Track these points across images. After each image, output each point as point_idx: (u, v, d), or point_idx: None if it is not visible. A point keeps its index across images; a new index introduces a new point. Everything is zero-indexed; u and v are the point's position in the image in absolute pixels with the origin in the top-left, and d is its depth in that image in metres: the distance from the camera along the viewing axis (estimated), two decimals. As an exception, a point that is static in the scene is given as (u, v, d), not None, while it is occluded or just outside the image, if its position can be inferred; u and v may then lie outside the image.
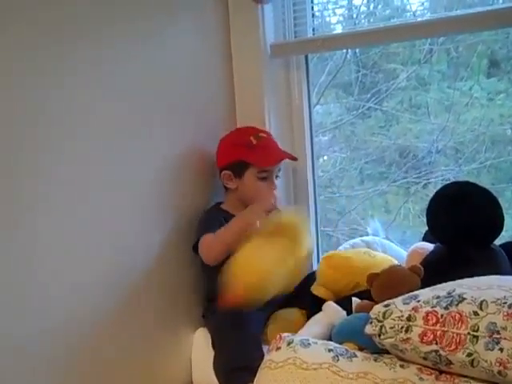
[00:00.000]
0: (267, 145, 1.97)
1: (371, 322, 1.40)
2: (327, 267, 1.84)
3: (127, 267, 1.76)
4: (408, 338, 1.33)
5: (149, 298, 1.84)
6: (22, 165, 1.44)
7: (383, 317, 1.38)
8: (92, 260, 1.63)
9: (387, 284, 1.59)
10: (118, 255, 1.73)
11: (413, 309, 1.36)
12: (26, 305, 1.45)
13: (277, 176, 2.00)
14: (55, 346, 1.52)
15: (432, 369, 1.33)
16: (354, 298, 1.67)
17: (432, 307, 1.33)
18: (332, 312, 1.68)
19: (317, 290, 1.84)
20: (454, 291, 1.35)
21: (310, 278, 1.91)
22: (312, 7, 2.21)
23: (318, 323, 1.67)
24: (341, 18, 2.35)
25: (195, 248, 1.91)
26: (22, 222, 1.44)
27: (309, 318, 1.76)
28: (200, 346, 1.91)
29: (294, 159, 2.05)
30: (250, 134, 1.97)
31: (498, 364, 1.20)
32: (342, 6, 2.32)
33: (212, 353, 1.82)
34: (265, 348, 1.66)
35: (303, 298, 1.87)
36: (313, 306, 1.80)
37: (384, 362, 1.37)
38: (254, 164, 1.93)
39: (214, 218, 1.94)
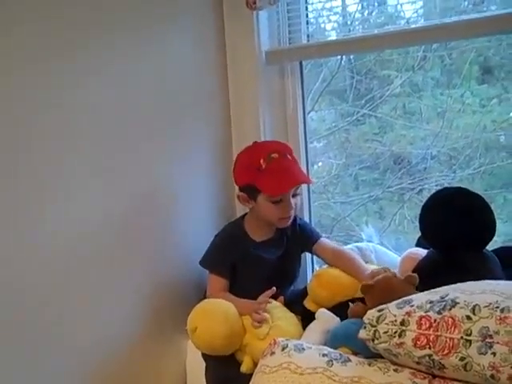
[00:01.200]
0: (277, 169, 1.84)
1: (365, 327, 1.41)
2: (317, 286, 1.85)
3: (121, 280, 1.77)
4: (401, 343, 1.33)
5: (143, 307, 1.84)
6: (18, 184, 1.46)
7: (377, 322, 1.39)
8: (91, 271, 1.65)
9: (381, 295, 1.55)
10: (117, 267, 1.74)
11: (406, 313, 1.36)
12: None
13: (295, 195, 1.90)
14: (53, 352, 1.53)
15: (425, 373, 1.33)
16: (351, 304, 1.68)
17: (425, 312, 1.34)
18: (325, 319, 1.68)
19: (309, 304, 1.85)
20: (446, 296, 1.35)
21: (303, 290, 1.94)
22: (306, 14, 2.22)
23: (313, 333, 1.67)
24: (335, 25, 2.36)
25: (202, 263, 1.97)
26: (23, 230, 1.47)
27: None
28: (194, 354, 1.90)
29: (307, 183, 2.00)
30: (261, 155, 1.85)
31: (490, 368, 1.21)
32: (336, 13, 2.33)
33: (206, 360, 1.84)
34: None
35: (296, 307, 1.87)
36: (305, 315, 1.81)
37: (378, 367, 1.38)
38: (263, 192, 1.85)
39: (228, 249, 1.93)
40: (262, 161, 1.83)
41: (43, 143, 1.51)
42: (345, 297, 1.79)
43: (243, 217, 2.02)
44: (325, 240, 2.01)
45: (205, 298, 1.87)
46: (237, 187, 1.95)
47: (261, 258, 1.94)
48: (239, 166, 1.93)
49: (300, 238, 2.00)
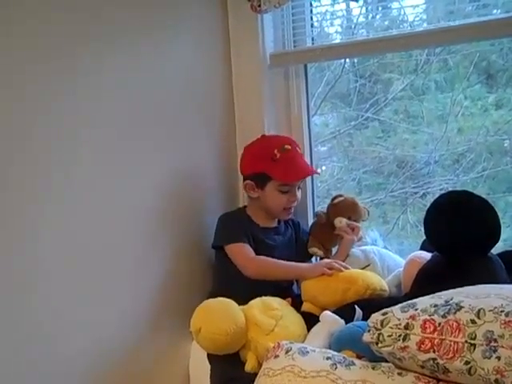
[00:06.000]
0: (291, 159, 1.98)
1: (369, 330, 1.40)
2: (309, 280, 1.85)
3: (125, 277, 1.76)
4: (406, 347, 1.33)
5: (146, 308, 1.84)
6: (21, 180, 1.45)
7: (381, 325, 1.38)
8: (90, 267, 1.64)
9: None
10: (117, 264, 1.73)
11: (410, 317, 1.36)
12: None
13: (299, 187, 2.03)
14: (53, 354, 1.53)
15: (430, 377, 1.33)
16: (357, 307, 1.68)
17: (429, 315, 1.34)
18: (330, 322, 1.68)
19: (305, 306, 1.84)
20: (451, 299, 1.35)
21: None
22: (311, 17, 2.23)
23: (317, 335, 1.66)
24: (339, 29, 2.36)
25: (215, 247, 2.00)
26: (22, 241, 1.46)
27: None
28: (198, 357, 1.90)
29: (317, 174, 2.10)
30: (274, 146, 1.97)
31: (495, 372, 1.20)
32: (340, 17, 2.33)
33: (210, 362, 1.83)
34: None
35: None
36: (306, 319, 1.80)
37: (382, 370, 1.37)
38: (276, 179, 1.96)
39: (239, 224, 1.99)
40: (276, 151, 1.95)
41: (43, 143, 1.51)
42: (338, 285, 1.79)
43: (244, 207, 2.09)
44: None
45: (209, 297, 1.86)
46: (241, 178, 2.04)
47: (264, 242, 1.99)
48: (250, 156, 2.03)
49: (301, 241, 2.09)
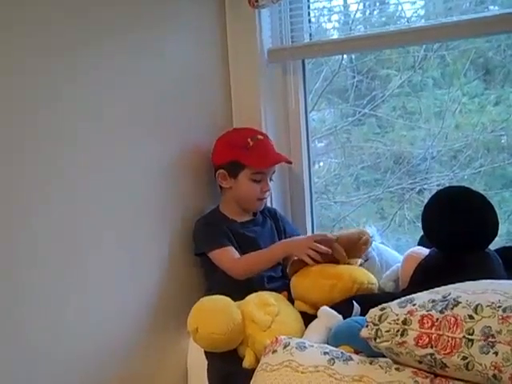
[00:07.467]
0: (263, 147, 2.01)
1: (367, 326, 1.40)
2: (297, 278, 1.86)
3: (123, 275, 1.76)
4: (403, 342, 1.33)
5: (144, 305, 1.84)
6: (20, 174, 1.45)
7: (379, 320, 1.38)
8: (89, 267, 1.64)
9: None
10: (115, 262, 1.73)
11: (408, 312, 1.36)
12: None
13: (271, 179, 2.04)
14: (54, 350, 1.53)
15: (427, 372, 1.33)
16: (355, 302, 1.68)
17: (427, 311, 1.34)
18: (327, 317, 1.68)
19: (298, 306, 1.84)
20: (449, 295, 1.35)
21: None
22: (308, 13, 2.23)
23: (315, 331, 1.66)
24: (336, 24, 2.36)
25: (199, 254, 1.99)
26: (21, 229, 1.45)
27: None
28: (196, 352, 1.89)
29: (289, 162, 2.10)
30: (247, 135, 2.00)
31: (492, 367, 1.20)
32: (337, 13, 2.33)
33: (208, 358, 1.83)
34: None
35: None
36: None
37: (379, 366, 1.37)
38: (249, 166, 1.96)
39: (217, 226, 1.97)
40: (249, 139, 1.98)
41: (43, 142, 1.51)
42: (326, 281, 1.79)
43: (217, 206, 2.07)
44: None
45: (206, 294, 1.86)
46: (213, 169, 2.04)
47: (245, 236, 1.99)
48: (222, 145, 2.04)
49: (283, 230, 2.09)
